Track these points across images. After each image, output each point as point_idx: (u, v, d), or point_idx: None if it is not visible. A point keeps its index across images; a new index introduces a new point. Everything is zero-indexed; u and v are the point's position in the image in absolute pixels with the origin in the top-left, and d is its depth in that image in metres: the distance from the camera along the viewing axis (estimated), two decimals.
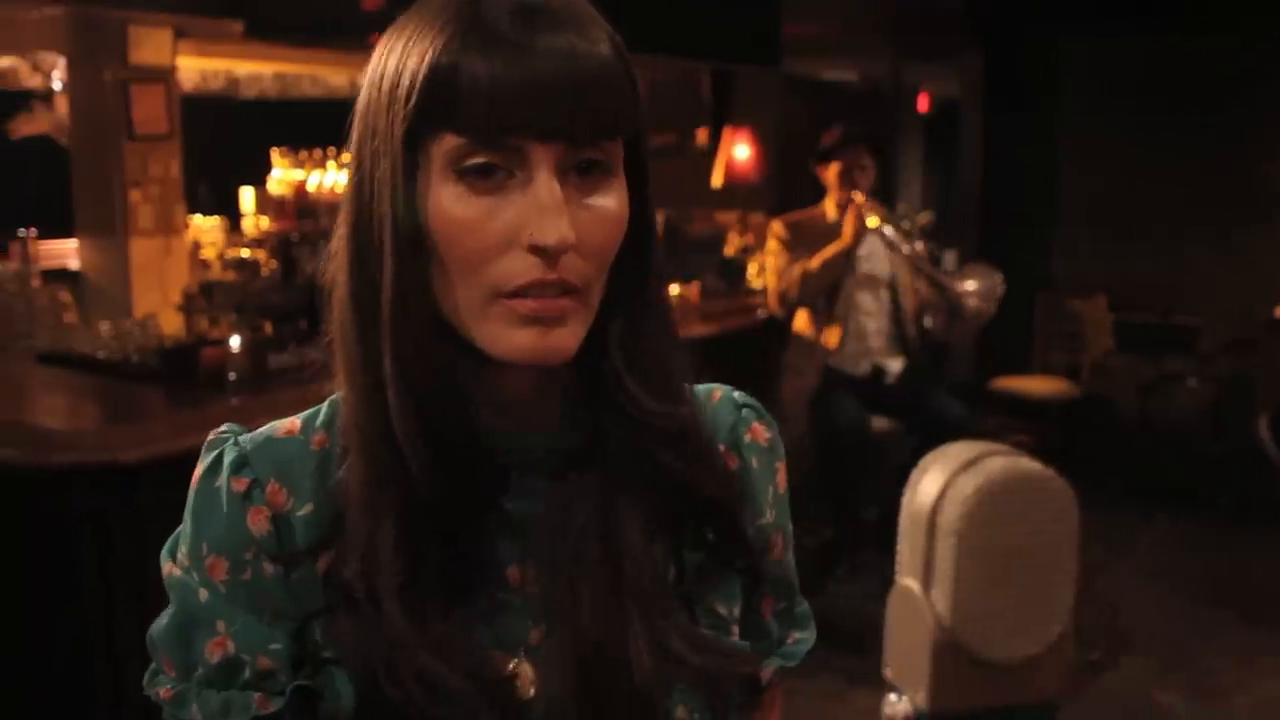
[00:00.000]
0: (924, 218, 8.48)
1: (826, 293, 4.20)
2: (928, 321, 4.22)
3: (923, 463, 0.61)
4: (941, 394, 4.20)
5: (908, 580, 0.60)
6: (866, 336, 4.27)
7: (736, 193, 5.52)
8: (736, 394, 0.98)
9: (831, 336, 4.21)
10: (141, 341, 3.48)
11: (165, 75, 4.76)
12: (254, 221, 5.13)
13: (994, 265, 4.27)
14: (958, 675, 0.59)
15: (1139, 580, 5.00)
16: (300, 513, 0.82)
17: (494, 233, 0.76)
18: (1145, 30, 6.15)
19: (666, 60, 6.43)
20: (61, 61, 5.12)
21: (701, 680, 0.84)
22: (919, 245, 4.16)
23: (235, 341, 3.34)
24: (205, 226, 5.07)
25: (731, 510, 0.88)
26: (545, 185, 0.76)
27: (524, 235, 0.76)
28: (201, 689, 0.80)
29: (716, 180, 5.50)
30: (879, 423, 4.16)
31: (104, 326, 3.62)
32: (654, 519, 0.84)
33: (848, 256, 4.14)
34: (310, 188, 4.70)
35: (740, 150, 5.41)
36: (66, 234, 5.08)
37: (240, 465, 0.82)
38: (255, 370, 3.34)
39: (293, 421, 0.86)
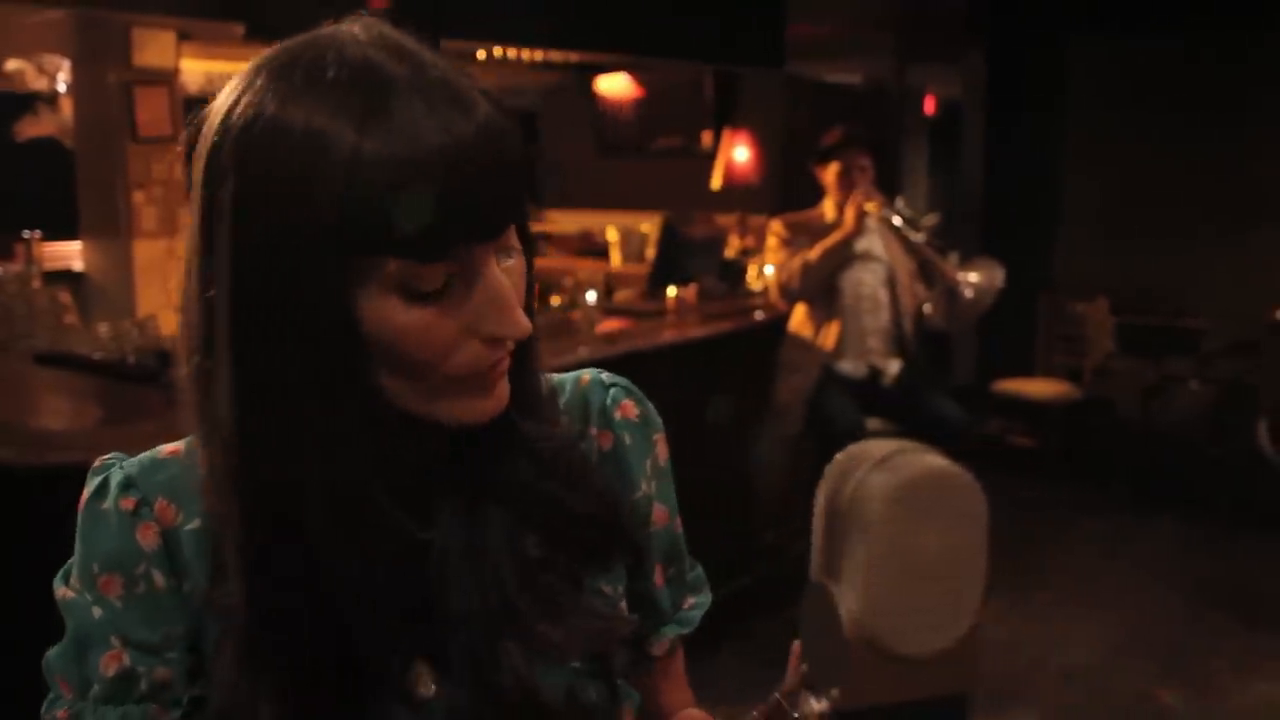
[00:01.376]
0: (930, 219, 8.47)
1: (825, 292, 4.20)
2: (927, 309, 4.22)
3: (835, 460, 0.63)
4: (938, 396, 4.19)
5: (821, 578, 0.61)
6: (864, 337, 4.26)
7: (737, 195, 5.54)
8: (604, 374, 1.00)
9: (829, 337, 4.22)
10: (140, 342, 3.50)
11: (168, 77, 4.79)
12: None
13: (996, 260, 4.27)
14: (871, 671, 0.60)
15: (1139, 582, 5.00)
16: (189, 527, 0.83)
17: (447, 333, 0.76)
18: (1149, 32, 6.14)
19: (670, 64, 6.45)
20: (66, 64, 5.16)
21: (578, 653, 0.88)
22: (920, 235, 4.16)
23: None
24: None
25: (610, 523, 0.91)
26: (494, 281, 0.76)
27: (480, 329, 0.77)
28: (97, 705, 0.81)
29: (716, 182, 5.51)
30: (875, 424, 4.16)
31: (102, 328, 3.64)
32: (529, 529, 0.86)
33: (848, 246, 4.14)
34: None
35: (740, 152, 5.42)
36: (72, 235, 5.12)
37: (127, 486, 0.83)
38: None
39: (176, 445, 0.87)
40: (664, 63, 6.42)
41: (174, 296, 0.82)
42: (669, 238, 4.85)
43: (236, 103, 0.76)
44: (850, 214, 4.12)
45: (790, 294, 4.22)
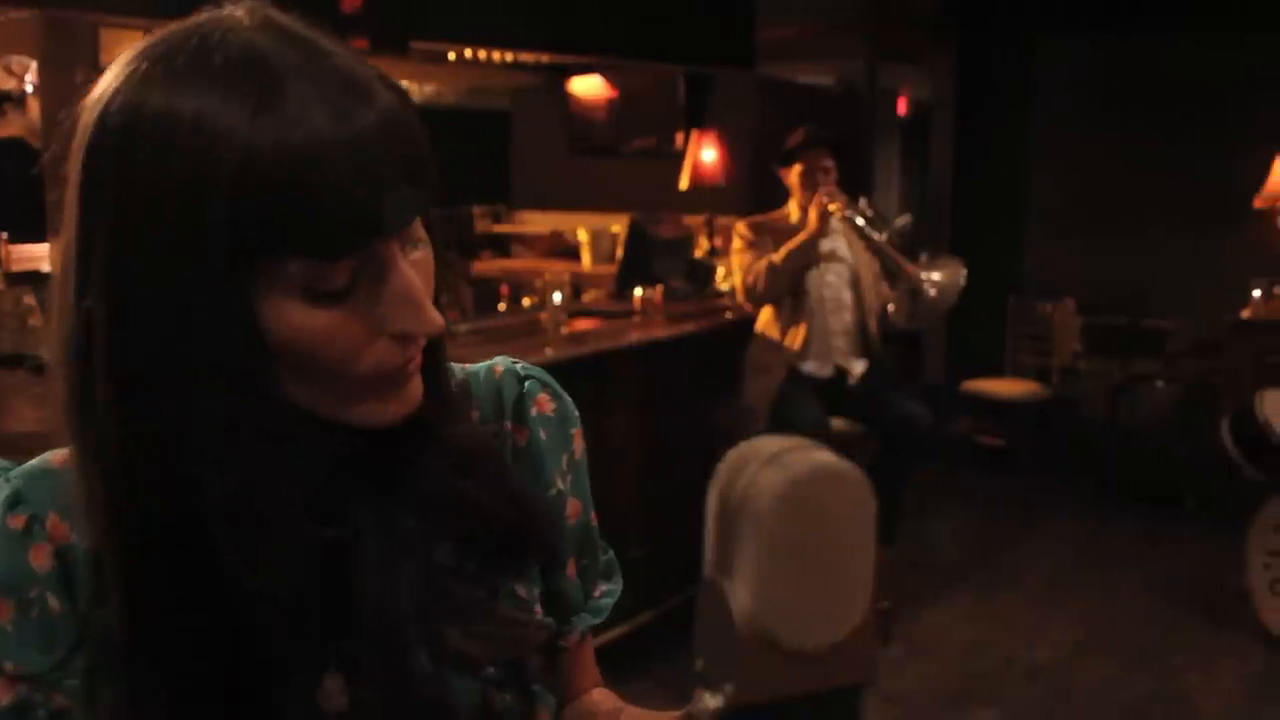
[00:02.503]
0: (902, 220, 8.50)
1: (791, 293, 4.22)
2: (890, 307, 4.24)
3: (727, 458, 0.63)
4: (902, 395, 4.22)
5: (714, 575, 0.62)
6: (830, 337, 4.28)
7: (708, 196, 5.55)
8: (519, 366, 0.97)
9: (796, 338, 4.23)
10: None
11: None
12: None
13: (959, 259, 4.30)
14: (765, 666, 0.61)
15: (1104, 580, 5.04)
16: (86, 544, 0.78)
17: (355, 334, 0.73)
18: (1116, 34, 6.19)
19: (641, 65, 6.45)
20: (34, 65, 5.13)
21: (492, 660, 0.86)
22: (882, 235, 4.18)
23: None
24: None
25: (526, 526, 0.89)
26: (403, 276, 0.73)
27: (390, 327, 0.74)
28: None
29: (684, 183, 5.52)
30: (840, 424, 4.18)
31: None
32: (443, 534, 0.84)
33: (812, 247, 4.16)
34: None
35: (707, 153, 5.43)
36: (40, 238, 5.08)
37: (15, 503, 0.78)
38: None
39: (64, 452, 0.80)
40: (634, 64, 6.43)
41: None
42: (636, 238, 4.86)
43: (115, 95, 0.70)
44: (813, 215, 4.14)
45: (755, 296, 4.23)
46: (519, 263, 6.94)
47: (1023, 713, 3.92)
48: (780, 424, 4.12)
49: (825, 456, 0.67)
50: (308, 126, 0.67)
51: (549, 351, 3.96)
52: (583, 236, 6.48)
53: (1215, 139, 5.98)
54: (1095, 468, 6.11)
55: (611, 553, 1.04)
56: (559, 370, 3.68)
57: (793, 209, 4.33)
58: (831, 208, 4.11)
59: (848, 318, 4.31)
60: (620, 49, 5.98)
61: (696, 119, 6.32)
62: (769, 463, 0.67)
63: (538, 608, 0.93)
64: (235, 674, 0.75)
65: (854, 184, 4.32)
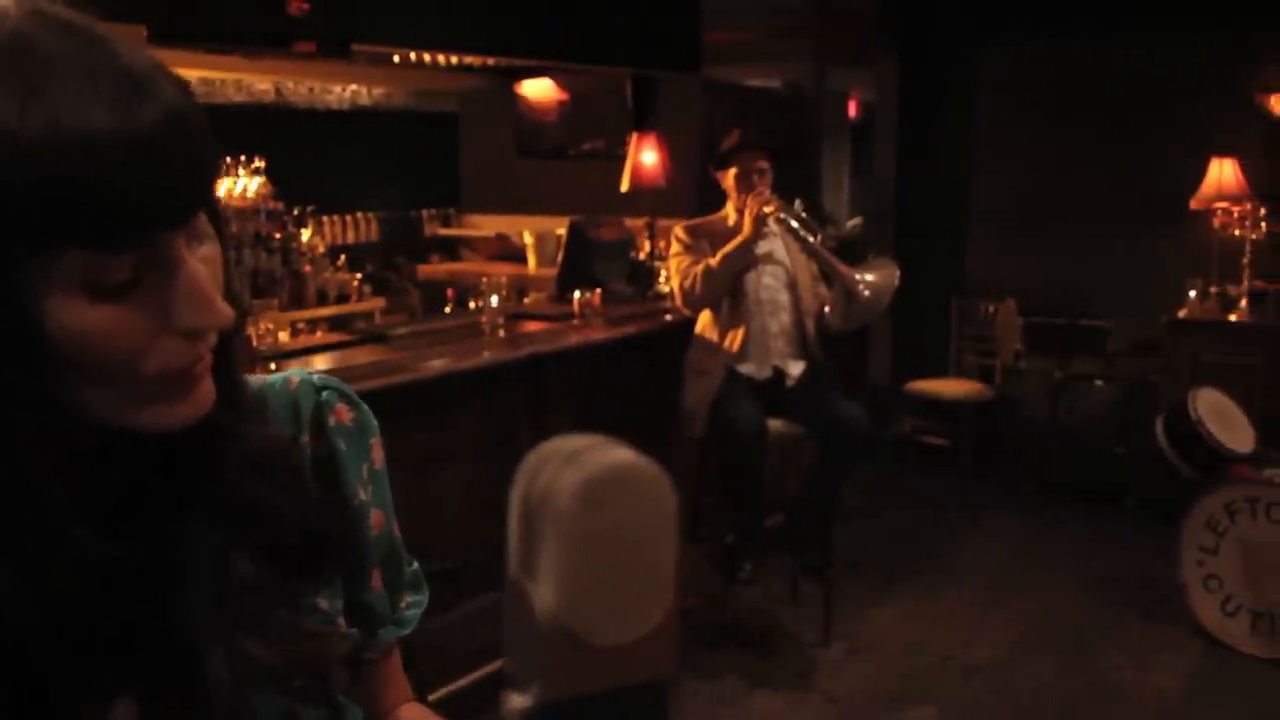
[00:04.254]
0: (854, 222, 8.55)
1: (729, 295, 4.22)
2: (827, 309, 4.25)
3: (526, 459, 0.63)
4: (840, 396, 4.23)
5: (517, 575, 0.62)
6: (768, 339, 4.29)
7: (655, 198, 5.56)
8: (316, 377, 0.96)
9: (735, 340, 4.24)
10: None
11: None
12: None
13: (892, 259, 4.32)
14: (570, 664, 0.61)
15: (1043, 578, 5.08)
16: None
17: (140, 330, 0.70)
18: (1056, 39, 6.25)
19: (587, 68, 6.46)
20: None
21: (296, 674, 0.84)
22: (817, 237, 4.19)
23: None
24: None
25: (326, 535, 0.87)
26: (189, 269, 0.71)
27: (177, 323, 0.71)
28: None
29: (624, 185, 5.53)
30: (778, 426, 4.19)
31: None
32: (241, 545, 0.82)
33: (748, 250, 4.17)
34: (220, 194, 4.68)
35: (647, 156, 5.44)
36: None
37: None
38: None
39: None
40: (579, 67, 6.43)
41: None
42: (577, 241, 4.85)
43: None
44: (748, 218, 4.15)
45: (693, 300, 4.24)
46: (467, 266, 6.92)
47: (960, 712, 3.94)
48: (719, 425, 4.13)
49: (623, 454, 0.67)
50: (82, 117, 0.65)
51: (486, 354, 3.95)
52: (528, 239, 6.48)
53: (1153, 142, 6.06)
54: (1036, 467, 6.16)
55: (416, 565, 1.04)
56: (496, 373, 3.69)
57: (730, 212, 4.34)
58: (766, 210, 4.12)
59: (785, 319, 4.32)
60: (565, 52, 5.98)
61: (643, 122, 6.34)
62: (568, 462, 0.67)
63: (341, 619, 0.92)
64: (18, 710, 0.71)
65: (803, 186, 4.33)
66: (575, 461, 0.67)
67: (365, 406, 0.97)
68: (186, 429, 0.75)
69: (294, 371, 0.96)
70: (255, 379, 0.91)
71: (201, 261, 0.73)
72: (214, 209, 0.75)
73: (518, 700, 0.69)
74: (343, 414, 0.95)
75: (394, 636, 0.99)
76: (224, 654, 0.78)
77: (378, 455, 0.97)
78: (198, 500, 0.79)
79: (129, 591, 0.75)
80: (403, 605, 1.01)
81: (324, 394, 0.95)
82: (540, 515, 0.67)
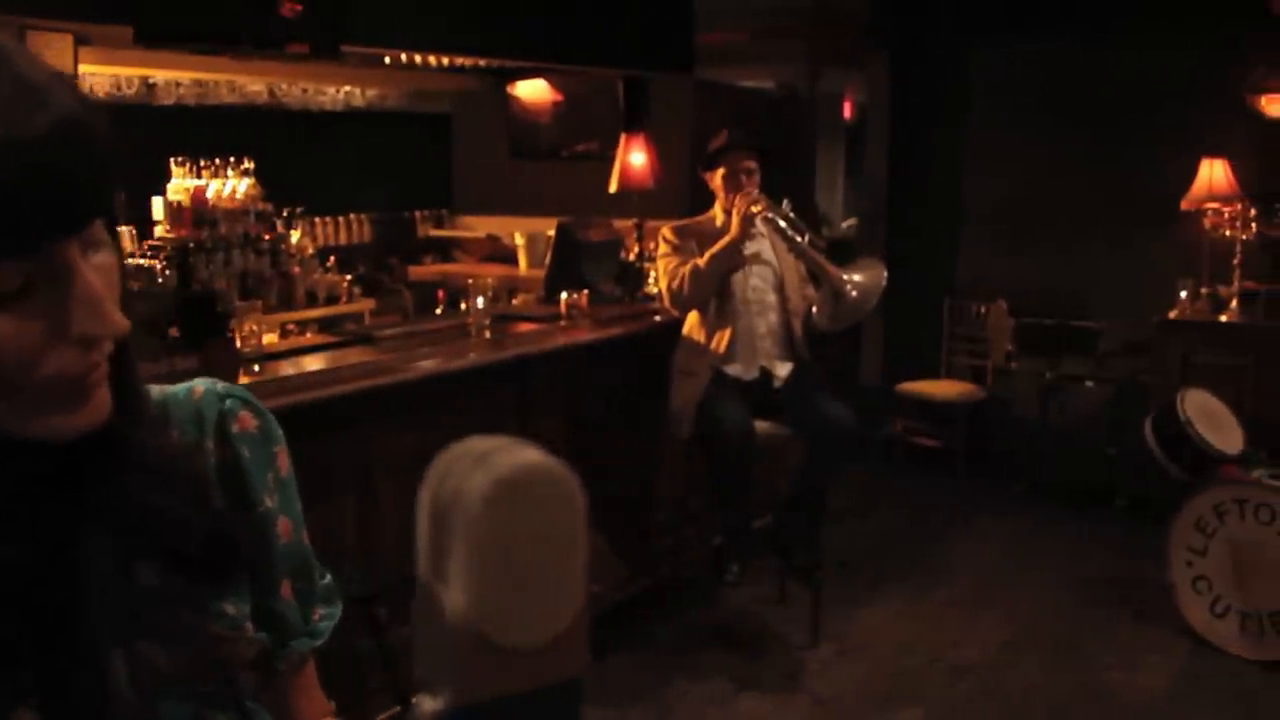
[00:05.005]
0: (848, 223, 8.52)
1: (717, 295, 4.22)
2: (814, 309, 4.25)
3: (435, 461, 0.64)
4: (827, 397, 4.22)
5: (427, 577, 0.62)
6: (756, 340, 4.29)
7: (646, 199, 5.56)
8: (220, 385, 0.96)
9: (722, 341, 4.23)
10: None
11: None
12: (164, 230, 5.10)
13: (880, 259, 4.31)
14: (481, 665, 0.61)
15: (1033, 579, 5.07)
16: None
17: (33, 338, 0.70)
18: (1047, 41, 6.25)
19: (579, 70, 6.46)
20: None
21: (203, 680, 0.84)
22: (805, 237, 4.18)
23: None
24: None
25: (230, 541, 0.87)
26: (82, 277, 0.71)
27: (70, 331, 0.71)
28: None
29: (612, 186, 5.53)
30: (765, 426, 4.18)
31: None
32: (144, 552, 0.82)
33: (735, 250, 4.16)
34: (209, 195, 4.67)
35: (636, 157, 5.44)
36: None
37: None
38: None
39: None
40: (572, 68, 6.44)
41: None
42: (565, 242, 4.84)
43: None
44: (735, 219, 4.14)
45: (680, 300, 4.22)
46: (459, 267, 6.93)
47: (949, 712, 3.94)
48: (706, 426, 4.13)
49: (532, 456, 0.67)
50: None
51: (472, 356, 3.95)
52: (519, 240, 6.48)
53: (1144, 143, 6.05)
54: (1027, 468, 6.16)
55: (330, 577, 1.03)
56: (482, 374, 3.68)
57: (717, 212, 4.33)
58: (754, 210, 4.11)
59: (773, 319, 4.31)
60: (558, 54, 5.99)
61: (634, 123, 6.34)
62: (477, 463, 0.67)
63: (248, 624, 0.92)
64: None
65: (797, 187, 4.32)
66: (484, 463, 0.67)
67: (270, 415, 0.97)
68: (83, 437, 0.75)
69: (199, 381, 0.96)
70: (158, 389, 0.92)
71: (96, 270, 0.72)
72: (113, 217, 0.75)
73: (429, 703, 0.69)
74: (247, 421, 0.95)
75: (307, 648, 0.99)
76: (126, 661, 0.78)
77: (283, 463, 0.97)
78: (96, 508, 0.78)
79: (26, 601, 0.74)
80: (315, 618, 1.01)
81: (228, 402, 0.95)
82: (450, 517, 0.67)
